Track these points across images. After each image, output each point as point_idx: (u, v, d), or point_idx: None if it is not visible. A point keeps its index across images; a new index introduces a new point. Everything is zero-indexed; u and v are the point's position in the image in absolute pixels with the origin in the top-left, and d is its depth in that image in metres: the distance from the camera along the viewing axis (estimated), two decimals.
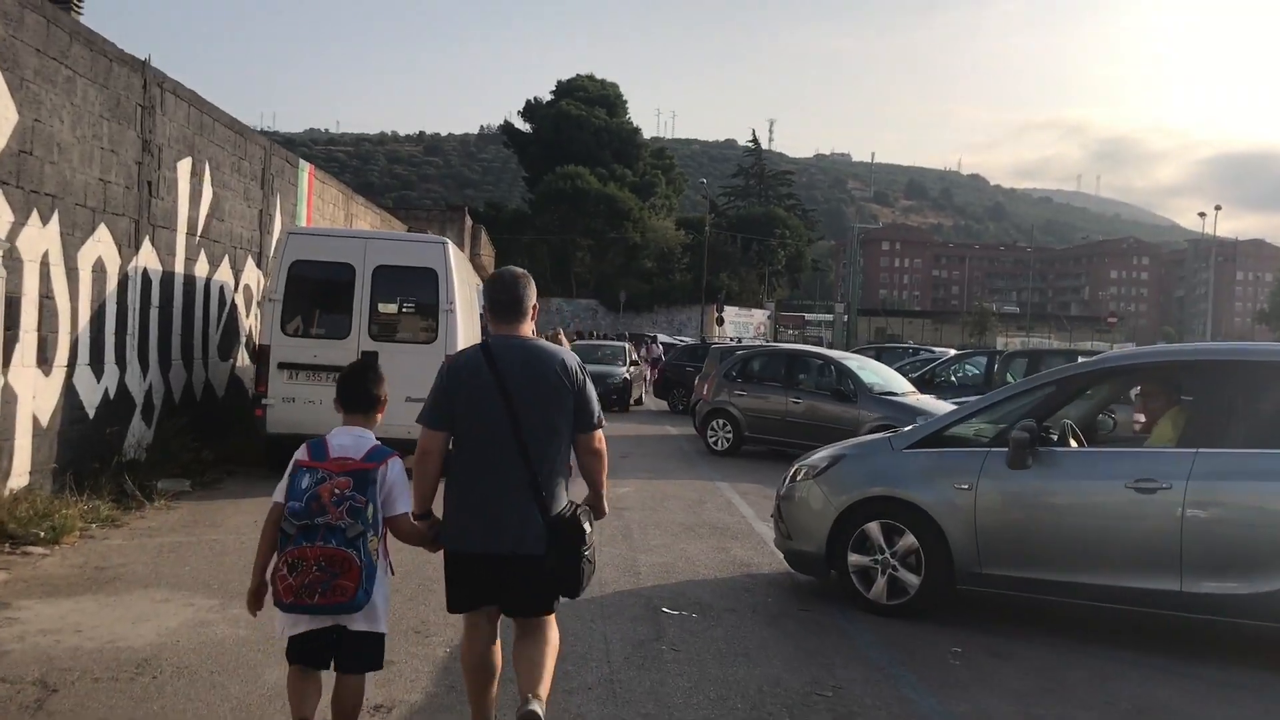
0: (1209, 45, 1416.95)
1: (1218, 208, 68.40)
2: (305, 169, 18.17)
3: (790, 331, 76.75)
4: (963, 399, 17.73)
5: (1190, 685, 5.99)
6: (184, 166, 12.40)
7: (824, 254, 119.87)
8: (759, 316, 74.85)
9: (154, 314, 11.78)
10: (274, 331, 11.77)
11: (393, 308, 12.50)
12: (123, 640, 5.80)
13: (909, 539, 7.11)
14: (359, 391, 4.30)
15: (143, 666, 5.38)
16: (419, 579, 7.39)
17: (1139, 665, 6.30)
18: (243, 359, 14.94)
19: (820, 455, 8.05)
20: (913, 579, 7.09)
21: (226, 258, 14.13)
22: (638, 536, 9.56)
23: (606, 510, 4.63)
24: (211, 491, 10.84)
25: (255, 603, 4.14)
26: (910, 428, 8.14)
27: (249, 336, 15.18)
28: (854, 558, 7.31)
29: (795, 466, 8.10)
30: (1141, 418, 10.36)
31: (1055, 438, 7.06)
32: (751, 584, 8.02)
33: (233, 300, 14.52)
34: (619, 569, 8.21)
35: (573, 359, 4.42)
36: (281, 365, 11.69)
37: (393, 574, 4.25)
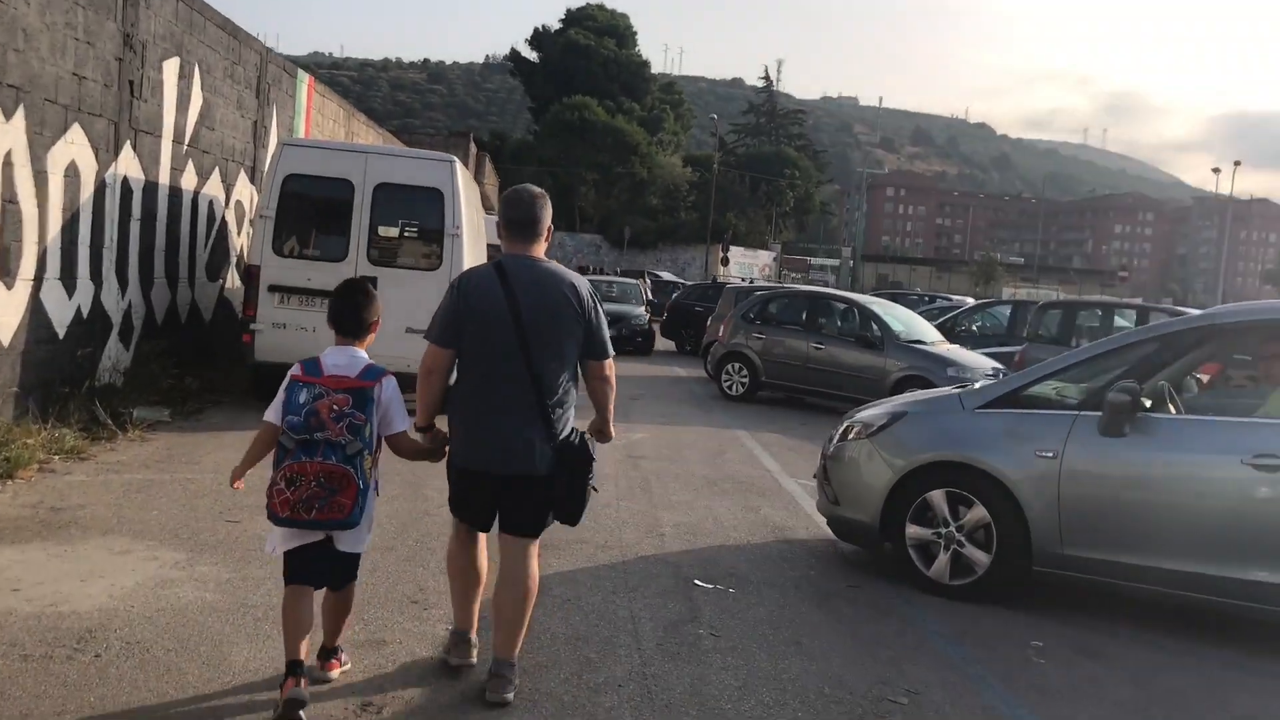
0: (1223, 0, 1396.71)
1: (1236, 163, 64.24)
2: (304, 80, 17.04)
3: (793, 275, 75.20)
4: (985, 349, 16.87)
5: None
6: (170, 67, 11.32)
7: (829, 198, 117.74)
8: (764, 258, 73.40)
9: (135, 227, 10.77)
10: (265, 251, 10.77)
11: (394, 230, 11.45)
12: (66, 604, 4.89)
13: (979, 511, 6.20)
14: (350, 314, 4.19)
15: (85, 640, 4.47)
16: (417, 534, 6.55)
17: (1254, 672, 5.45)
18: (232, 280, 13.94)
19: (875, 412, 7.11)
20: (981, 557, 6.20)
21: (217, 170, 13.09)
22: (657, 490, 8.68)
23: (613, 434, 4.56)
24: (192, 423, 9.92)
25: (237, 477, 4.16)
26: (982, 384, 7.19)
27: (240, 256, 14.18)
28: (913, 530, 6.42)
29: (846, 423, 7.15)
30: (1205, 378, 9.45)
31: (1149, 403, 6.12)
32: (789, 552, 7.14)
33: (223, 216, 13.50)
34: (641, 528, 7.33)
35: (583, 283, 4.34)
36: (272, 288, 10.72)
37: (378, 494, 4.16)
